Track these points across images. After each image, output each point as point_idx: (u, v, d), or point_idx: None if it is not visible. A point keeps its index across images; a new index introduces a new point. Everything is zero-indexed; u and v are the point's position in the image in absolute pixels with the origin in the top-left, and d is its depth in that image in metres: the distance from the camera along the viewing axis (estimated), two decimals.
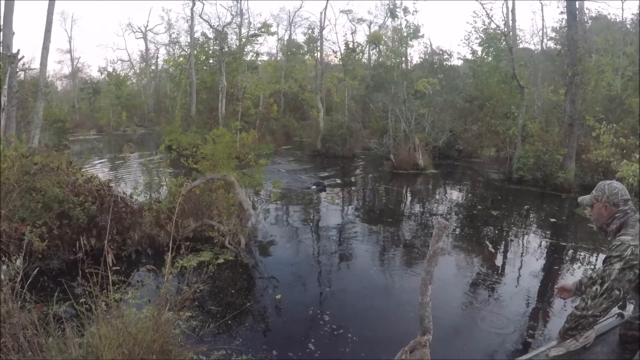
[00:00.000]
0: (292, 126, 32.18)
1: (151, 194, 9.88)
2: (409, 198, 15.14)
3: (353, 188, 15.79)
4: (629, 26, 31.83)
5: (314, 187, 14.78)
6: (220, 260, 7.54)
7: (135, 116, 46.90)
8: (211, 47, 30.76)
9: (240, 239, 8.12)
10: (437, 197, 15.52)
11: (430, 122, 21.56)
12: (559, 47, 26.59)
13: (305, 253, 8.64)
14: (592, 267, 8.72)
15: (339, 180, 17.00)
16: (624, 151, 15.75)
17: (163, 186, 11.31)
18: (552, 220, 12.64)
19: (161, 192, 10.52)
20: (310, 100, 31.63)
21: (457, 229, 11.07)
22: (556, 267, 8.83)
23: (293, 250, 8.79)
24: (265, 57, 42.54)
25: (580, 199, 3.48)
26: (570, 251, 9.81)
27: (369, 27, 40.16)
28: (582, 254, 9.67)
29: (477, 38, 23.28)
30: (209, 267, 5.06)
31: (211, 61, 30.53)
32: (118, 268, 6.85)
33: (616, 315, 3.88)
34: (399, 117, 20.93)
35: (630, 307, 3.77)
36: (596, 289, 3.01)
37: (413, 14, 35.89)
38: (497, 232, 11.06)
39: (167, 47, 49.47)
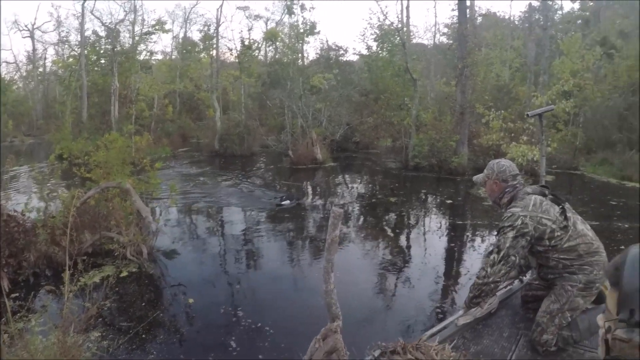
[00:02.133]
0: (189, 127, 31.20)
1: (44, 209, 9.24)
2: (310, 192, 15.15)
3: (253, 187, 15.48)
4: (516, 22, 34.25)
5: (285, 202, 12.41)
6: (124, 274, 7.14)
7: (22, 124, 42.98)
8: (103, 47, 28.90)
9: (142, 249, 7.74)
10: (337, 188, 15.66)
11: (327, 117, 21.78)
12: (450, 42, 27.91)
13: (212, 256, 8.48)
14: (489, 240, 9.29)
15: (238, 180, 16.65)
16: (512, 135, 16.66)
17: (56, 199, 10.65)
18: (449, 202, 13.31)
19: (54, 206, 9.84)
20: (207, 99, 30.85)
21: (360, 218, 11.23)
22: (457, 244, 9.21)
23: (199, 254, 8.56)
24: (159, 56, 40.97)
25: (474, 178, 3.72)
26: (468, 228, 10.29)
27: (266, 24, 39.97)
28: (479, 230, 10.23)
29: (372, 34, 23.84)
30: (109, 281, 4.97)
31: (103, 61, 28.75)
32: (17, 294, 6.24)
33: (517, 281, 4.18)
34: (296, 113, 21.02)
35: (529, 274, 4.13)
36: (494, 257, 3.31)
37: (310, 11, 36.10)
38: (397, 217, 11.34)
39: (56, 46, 45.71)
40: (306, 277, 7.44)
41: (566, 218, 3.32)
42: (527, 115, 4.72)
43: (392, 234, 9.81)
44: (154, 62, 36.01)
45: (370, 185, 16.03)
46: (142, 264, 7.48)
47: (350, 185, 16.08)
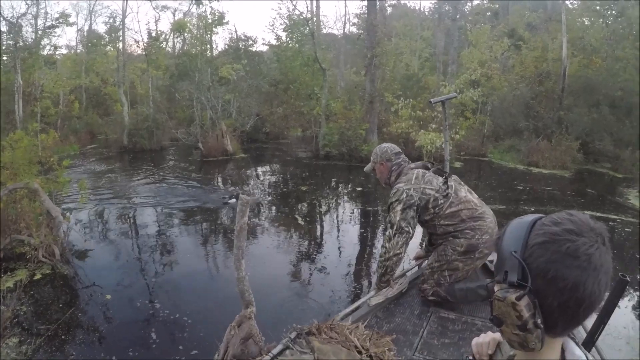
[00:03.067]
0: (96, 123, 29.77)
1: None
2: (221, 183, 15.05)
3: (164, 181, 15.11)
4: (426, 13, 34.82)
5: (232, 200, 11.36)
6: (38, 276, 6.95)
7: None
8: (4, 42, 26.70)
9: (54, 249, 7.53)
10: (248, 179, 15.63)
11: (237, 108, 21.50)
12: (360, 31, 27.90)
13: (126, 253, 8.39)
14: None
15: (149, 175, 16.18)
16: (421, 123, 16.64)
17: None
18: (360, 189, 13.62)
19: None
20: (114, 94, 29.58)
21: (272, 208, 11.40)
22: (367, 230, 9.60)
23: (112, 252, 8.45)
24: (64, 51, 38.60)
25: (365, 169, 4.04)
26: (379, 214, 10.63)
27: (174, 15, 38.52)
28: None
29: (281, 24, 23.37)
30: (23, 285, 5.02)
31: (5, 58, 26.52)
32: None
33: (426, 261, 4.37)
34: (205, 105, 20.57)
35: None
36: (389, 232, 3.60)
37: (218, 1, 34.95)
38: (309, 206, 11.56)
39: None
40: (221, 268, 7.61)
41: (448, 187, 3.61)
42: (431, 102, 4.86)
43: (304, 223, 9.97)
44: (58, 57, 34.25)
45: (281, 175, 16.06)
46: (55, 265, 7.32)
47: (261, 176, 16.09)
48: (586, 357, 1.03)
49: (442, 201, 3.57)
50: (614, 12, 27.18)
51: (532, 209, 11.98)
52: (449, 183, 3.63)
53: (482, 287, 3.76)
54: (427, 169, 3.72)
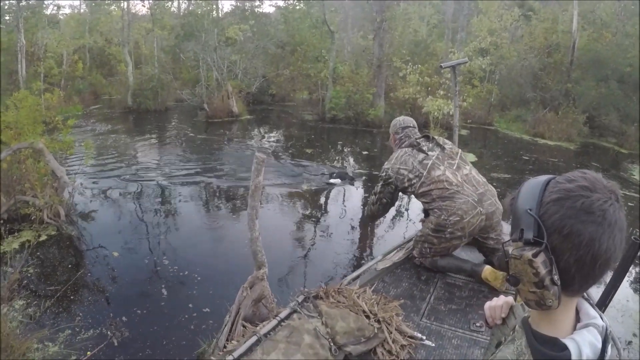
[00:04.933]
0: (100, 84, 29.43)
1: None
2: (226, 145, 14.83)
3: (169, 142, 15.00)
4: None
5: (336, 180, 10.30)
6: (43, 237, 6.86)
7: None
8: (6, 1, 26.35)
9: (59, 210, 7.50)
10: (254, 141, 15.43)
11: (243, 69, 21.22)
12: None
13: (131, 212, 8.34)
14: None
15: (154, 136, 16.04)
16: (429, 89, 16.56)
17: None
18: (365, 152, 13.65)
19: None
20: (118, 54, 29.17)
21: (276, 170, 11.07)
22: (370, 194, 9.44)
23: (117, 213, 8.35)
24: (67, 10, 38.10)
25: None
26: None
27: None
28: None
29: None
30: (29, 247, 4.99)
31: (7, 18, 26.20)
32: None
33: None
34: (210, 66, 20.30)
35: None
36: (372, 198, 4.38)
37: None
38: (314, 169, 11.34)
39: None
40: (229, 228, 7.59)
41: (423, 166, 3.97)
42: (441, 66, 5.16)
43: (308, 187, 9.90)
44: (61, 17, 33.80)
45: (286, 137, 15.93)
46: (60, 226, 7.26)
47: (267, 137, 15.94)
48: (601, 317, 1.03)
49: (414, 181, 3.97)
50: None
51: None
52: (428, 161, 3.97)
53: (465, 266, 3.95)
54: (418, 145, 4.12)
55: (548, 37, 22.22)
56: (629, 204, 12.37)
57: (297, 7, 22.40)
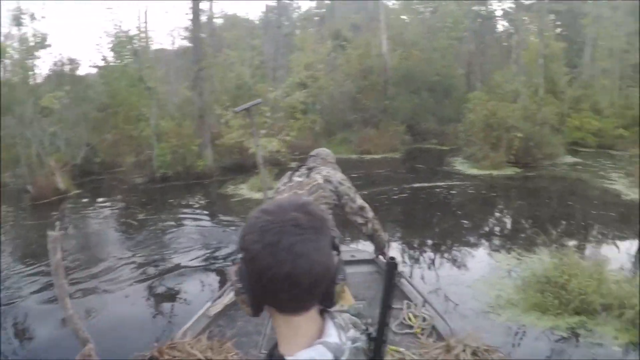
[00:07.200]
0: None
1: None
2: (56, 227, 13.42)
3: None
4: (256, 22, 35.54)
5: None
6: None
7: None
8: None
9: None
10: (84, 217, 14.46)
11: (65, 140, 19.80)
12: (188, 45, 27.68)
13: None
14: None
15: None
16: (250, 130, 16.90)
17: None
18: (199, 204, 14.14)
19: None
20: None
21: (110, 241, 10.77)
22: (205, 243, 9.73)
23: None
24: None
25: None
26: (219, 225, 11.11)
27: None
28: (230, 226, 10.96)
29: (109, 43, 22.35)
30: None
31: None
32: None
33: None
34: (30, 141, 18.55)
35: None
36: None
37: (40, 20, 32.02)
38: (149, 232, 11.10)
39: None
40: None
41: (278, 192, 3.97)
42: (235, 111, 5.53)
43: (140, 250, 9.60)
44: None
45: (118, 206, 15.32)
46: None
47: (97, 210, 15.11)
48: (339, 338, 1.06)
49: None
50: (430, 8, 29.80)
51: (365, 192, 12.74)
52: (283, 187, 3.92)
53: None
54: (296, 170, 4.08)
55: (362, 62, 23.90)
56: (451, 191, 14.52)
57: (115, 66, 21.68)
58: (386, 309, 1.25)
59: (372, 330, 1.20)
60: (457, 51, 28.36)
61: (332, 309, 1.15)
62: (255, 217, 1.05)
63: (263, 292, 1.04)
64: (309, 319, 1.07)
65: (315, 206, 1.09)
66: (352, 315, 1.21)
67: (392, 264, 1.25)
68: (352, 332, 1.11)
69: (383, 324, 1.23)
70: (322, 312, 1.11)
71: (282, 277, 0.99)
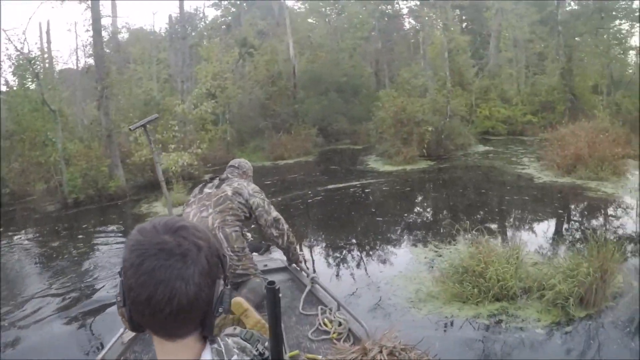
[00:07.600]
0: None
1: None
2: None
3: None
4: (163, 34, 35.02)
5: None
6: None
7: None
8: None
9: None
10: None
11: None
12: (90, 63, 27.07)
13: None
14: None
15: None
16: (161, 145, 16.89)
17: None
18: (111, 228, 13.62)
19: None
20: None
21: (25, 274, 10.30)
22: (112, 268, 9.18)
23: None
24: None
25: None
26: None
27: None
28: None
29: (10, 66, 21.55)
30: None
31: None
32: None
33: None
34: None
35: None
36: None
37: None
38: (66, 262, 10.71)
39: None
40: None
41: (187, 203, 4.05)
42: (130, 129, 5.06)
43: (55, 281, 9.19)
44: None
45: (30, 237, 14.62)
46: None
47: (10, 244, 13.95)
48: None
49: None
50: (336, 10, 30.57)
51: (280, 199, 13.16)
52: (193, 198, 4.03)
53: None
54: (209, 181, 4.19)
55: (270, 68, 24.34)
56: (366, 190, 14.76)
57: (17, 90, 20.96)
58: (278, 336, 1.24)
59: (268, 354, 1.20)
60: (364, 51, 29.40)
61: (224, 332, 1.18)
62: (131, 234, 1.03)
63: (134, 311, 1.02)
64: (184, 345, 1.04)
65: (196, 232, 1.03)
66: (244, 339, 1.18)
67: (272, 290, 1.23)
68: (236, 357, 1.09)
69: (276, 351, 1.22)
70: (205, 336, 1.08)
71: (142, 301, 0.97)
